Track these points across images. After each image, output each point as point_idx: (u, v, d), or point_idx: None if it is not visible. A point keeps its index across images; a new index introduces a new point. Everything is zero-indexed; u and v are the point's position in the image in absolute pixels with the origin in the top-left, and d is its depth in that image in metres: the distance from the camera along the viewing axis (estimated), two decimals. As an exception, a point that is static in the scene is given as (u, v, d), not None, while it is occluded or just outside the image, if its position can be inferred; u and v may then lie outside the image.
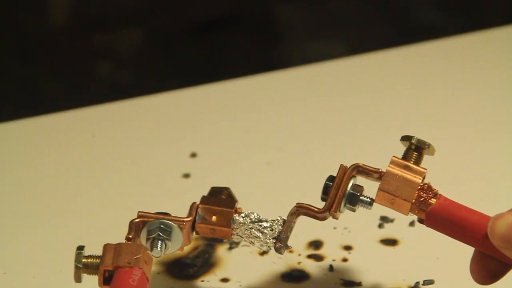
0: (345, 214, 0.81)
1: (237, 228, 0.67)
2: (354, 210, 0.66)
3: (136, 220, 0.67)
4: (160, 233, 0.66)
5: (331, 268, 0.74)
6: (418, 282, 0.72)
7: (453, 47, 1.17)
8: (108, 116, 1.03)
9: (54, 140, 0.98)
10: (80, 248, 0.64)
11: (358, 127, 0.99)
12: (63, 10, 1.60)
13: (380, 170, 0.65)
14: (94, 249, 0.77)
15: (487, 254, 0.62)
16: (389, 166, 0.65)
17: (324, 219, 0.66)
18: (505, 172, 0.89)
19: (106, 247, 0.64)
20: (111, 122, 1.02)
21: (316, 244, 0.77)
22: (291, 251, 0.76)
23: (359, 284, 0.72)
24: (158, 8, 1.61)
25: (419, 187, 0.64)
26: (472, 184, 0.86)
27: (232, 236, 0.68)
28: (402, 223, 0.79)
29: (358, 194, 0.66)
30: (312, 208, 0.66)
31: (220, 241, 0.78)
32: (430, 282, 0.72)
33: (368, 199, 0.66)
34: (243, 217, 0.67)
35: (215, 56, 1.58)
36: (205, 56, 1.57)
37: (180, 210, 0.83)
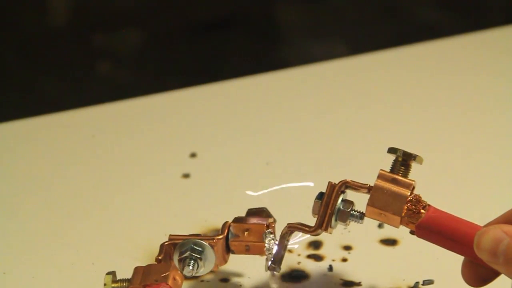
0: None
1: (270, 243, 0.68)
2: (345, 225, 0.67)
3: (167, 243, 0.67)
4: (191, 253, 0.67)
5: (331, 268, 0.74)
6: (417, 282, 0.72)
7: (453, 47, 1.17)
8: (108, 116, 1.03)
9: (54, 140, 0.98)
10: (110, 273, 0.65)
11: (358, 127, 0.99)
12: (63, 10, 1.60)
13: (368, 185, 0.66)
14: (94, 248, 0.77)
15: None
16: (376, 181, 0.65)
17: (317, 235, 0.67)
18: (500, 173, 0.89)
19: (136, 269, 0.65)
20: (111, 122, 1.02)
21: (316, 244, 0.77)
22: (291, 251, 0.76)
23: (359, 284, 0.72)
24: (158, 8, 1.61)
25: (408, 200, 0.64)
26: (469, 185, 0.86)
27: (266, 252, 0.68)
28: (402, 223, 0.79)
29: (348, 210, 0.66)
30: (303, 228, 0.67)
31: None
32: (430, 282, 0.72)
33: (358, 214, 0.66)
34: (271, 232, 0.68)
35: (215, 56, 1.58)
36: (205, 56, 1.57)
37: (180, 210, 0.83)
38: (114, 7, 1.60)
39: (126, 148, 0.95)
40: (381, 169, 0.65)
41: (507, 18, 1.42)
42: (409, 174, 0.66)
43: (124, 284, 0.65)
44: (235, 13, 1.65)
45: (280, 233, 0.68)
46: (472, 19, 1.61)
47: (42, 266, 0.75)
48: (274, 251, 0.68)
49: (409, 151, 0.65)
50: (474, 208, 0.81)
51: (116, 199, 0.86)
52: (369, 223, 0.80)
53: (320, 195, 0.67)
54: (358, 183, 0.66)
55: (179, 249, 0.67)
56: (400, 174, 0.65)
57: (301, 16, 1.68)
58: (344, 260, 0.75)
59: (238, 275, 0.74)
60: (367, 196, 0.65)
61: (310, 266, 0.74)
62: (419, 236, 0.64)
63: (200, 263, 0.67)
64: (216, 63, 1.56)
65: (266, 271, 0.69)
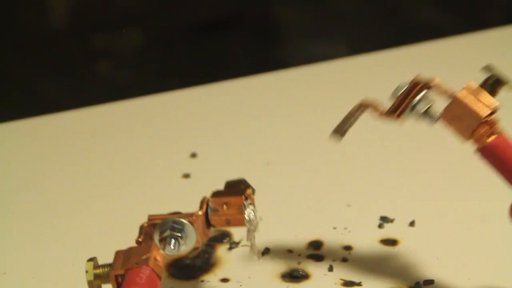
0: (345, 214, 0.82)
1: (250, 215, 0.67)
2: (416, 120, 0.66)
3: (146, 224, 0.67)
4: (171, 231, 0.66)
5: (331, 268, 0.74)
6: (418, 282, 0.72)
7: (453, 47, 1.17)
8: (108, 116, 1.03)
9: (54, 140, 0.98)
10: (91, 259, 0.65)
11: (358, 127, 0.99)
12: (63, 10, 1.60)
13: (453, 92, 0.65)
14: (94, 248, 0.77)
15: None
16: (461, 90, 0.64)
17: (385, 119, 0.66)
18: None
19: (116, 253, 0.65)
20: (111, 122, 1.02)
21: (316, 244, 0.77)
22: (291, 251, 0.76)
23: (359, 284, 0.72)
24: (158, 8, 1.61)
25: (484, 119, 0.63)
26: (470, 185, 0.87)
27: (246, 223, 0.67)
28: (402, 223, 0.79)
29: (426, 108, 0.65)
30: (377, 107, 0.66)
31: (220, 241, 0.78)
32: (430, 282, 0.72)
33: (434, 115, 0.65)
34: (250, 203, 0.67)
35: (215, 56, 1.58)
36: (205, 56, 1.57)
37: (180, 210, 0.83)
38: (114, 7, 1.60)
39: (126, 148, 0.96)
40: (471, 81, 0.64)
41: (507, 18, 1.41)
42: (495, 96, 0.64)
43: (106, 269, 0.64)
44: (235, 13, 1.65)
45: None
46: (472, 19, 1.61)
47: (42, 266, 0.75)
48: (253, 220, 0.67)
49: (500, 77, 0.64)
50: (474, 207, 0.81)
51: (116, 199, 0.86)
52: (370, 223, 0.80)
53: (405, 84, 0.65)
54: (444, 87, 0.65)
55: (159, 229, 0.66)
56: (487, 92, 0.64)
57: (301, 16, 1.68)
58: (344, 260, 0.75)
59: (238, 275, 0.74)
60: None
61: (311, 266, 0.74)
62: (481, 156, 0.64)
63: (181, 241, 0.66)
64: (216, 63, 1.56)
65: (247, 240, 0.68)
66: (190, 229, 0.66)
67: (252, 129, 0.99)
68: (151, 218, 0.67)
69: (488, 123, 0.64)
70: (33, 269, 0.75)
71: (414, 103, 0.65)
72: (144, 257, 0.63)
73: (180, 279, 0.74)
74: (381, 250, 0.77)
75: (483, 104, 0.64)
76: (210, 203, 0.68)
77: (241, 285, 0.73)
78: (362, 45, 1.28)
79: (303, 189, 0.86)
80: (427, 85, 0.65)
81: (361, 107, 0.67)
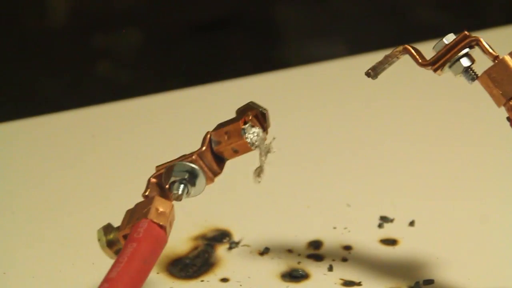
0: (345, 214, 0.81)
1: (252, 137, 0.66)
2: (454, 75, 0.66)
3: (153, 176, 0.65)
4: (175, 177, 0.64)
5: (331, 268, 0.74)
6: (418, 282, 0.72)
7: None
8: (108, 116, 1.03)
9: (54, 140, 0.98)
10: (103, 227, 0.64)
11: (358, 127, 0.99)
12: (63, 10, 1.60)
13: (497, 55, 0.64)
14: (94, 248, 0.77)
15: None
16: (507, 55, 0.63)
17: (422, 67, 0.66)
18: (500, 169, 0.89)
19: (126, 212, 0.63)
20: (111, 122, 1.02)
21: (316, 244, 0.77)
22: (290, 251, 0.76)
23: (359, 284, 0.72)
24: (158, 8, 1.61)
25: None
26: (469, 184, 0.86)
27: (252, 147, 0.66)
28: (402, 223, 0.79)
29: (466, 65, 0.65)
30: (417, 56, 0.66)
31: (220, 241, 0.78)
32: (430, 282, 0.72)
33: (473, 74, 0.65)
34: (252, 126, 0.66)
35: (215, 56, 1.58)
36: (205, 56, 1.57)
37: (180, 210, 0.83)
38: (114, 7, 1.60)
39: (126, 148, 0.95)
40: None
41: (507, 18, 1.42)
42: None
43: (116, 232, 0.63)
44: (235, 13, 1.65)
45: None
46: (472, 19, 1.61)
47: (42, 266, 0.75)
48: (256, 142, 0.66)
49: None
50: (475, 207, 0.81)
51: (116, 199, 0.86)
52: (369, 223, 0.80)
53: (451, 37, 0.65)
54: (489, 48, 0.64)
55: (164, 178, 0.65)
56: None
57: (301, 16, 1.68)
58: (344, 260, 0.75)
59: (238, 275, 0.74)
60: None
61: (310, 266, 0.74)
62: None
63: (188, 184, 0.65)
64: (216, 63, 1.56)
65: (255, 176, 0.67)
66: (195, 169, 0.65)
67: (252, 129, 0.99)
68: (157, 169, 0.66)
69: None
70: (33, 269, 0.75)
71: (457, 57, 0.65)
72: (145, 210, 0.62)
73: (180, 279, 0.74)
74: (381, 250, 0.77)
75: None
76: (212, 136, 0.66)
77: (241, 285, 0.73)
78: (362, 45, 1.28)
79: (303, 189, 0.86)
80: (474, 42, 0.64)
81: (403, 52, 0.66)
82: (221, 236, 0.79)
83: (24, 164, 0.93)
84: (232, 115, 1.03)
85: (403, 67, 1.13)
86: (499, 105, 0.64)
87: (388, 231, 0.79)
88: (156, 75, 1.52)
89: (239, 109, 0.69)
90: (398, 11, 1.67)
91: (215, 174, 0.67)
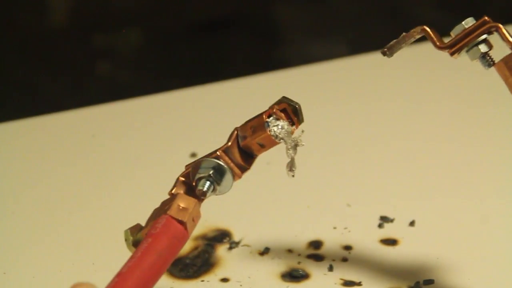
0: (345, 214, 0.81)
1: (275, 130, 0.65)
2: (472, 59, 0.65)
3: (182, 174, 0.65)
4: (200, 174, 0.64)
5: (331, 268, 0.74)
6: (418, 282, 0.72)
7: (453, 47, 1.16)
8: (108, 116, 1.03)
9: (54, 140, 0.98)
10: (128, 230, 0.63)
11: (358, 127, 0.99)
12: (63, 10, 1.60)
13: None
14: (94, 248, 0.77)
15: None
16: None
17: (439, 49, 0.66)
18: (500, 169, 0.89)
19: (152, 212, 0.63)
20: (111, 122, 1.02)
21: (316, 244, 0.77)
22: (291, 251, 0.76)
23: (359, 284, 0.72)
24: (158, 8, 1.61)
25: None
26: (469, 184, 0.86)
27: (277, 140, 0.65)
28: (402, 223, 0.79)
29: (484, 51, 0.65)
30: (435, 37, 0.66)
31: (220, 241, 0.78)
32: (430, 282, 0.72)
33: (490, 60, 0.65)
34: (277, 119, 0.65)
35: (215, 56, 1.58)
36: (205, 56, 1.57)
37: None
38: (114, 7, 1.60)
39: (126, 148, 0.95)
40: None
41: (507, 18, 1.41)
42: None
43: (141, 232, 0.63)
44: (235, 13, 1.65)
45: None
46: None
47: (42, 266, 0.75)
48: (281, 135, 0.66)
49: None
50: (475, 207, 0.81)
51: (116, 199, 0.86)
52: (370, 223, 0.80)
53: (470, 21, 0.65)
54: (509, 35, 0.64)
55: (192, 174, 0.64)
56: None
57: (301, 16, 1.67)
58: (344, 260, 0.75)
59: (238, 275, 0.74)
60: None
61: (310, 266, 0.74)
62: None
63: (215, 181, 0.64)
64: (216, 63, 1.56)
65: (287, 171, 0.66)
66: (221, 166, 0.64)
67: (252, 129, 0.99)
68: (186, 167, 0.65)
69: None
70: (33, 269, 0.75)
71: (475, 42, 0.65)
72: (167, 207, 0.62)
73: (180, 279, 0.74)
74: (381, 250, 0.77)
75: None
76: (239, 131, 0.65)
77: (241, 285, 0.72)
78: (362, 45, 1.28)
79: (303, 189, 0.86)
80: (494, 28, 0.64)
81: (421, 32, 0.66)
82: (221, 236, 0.79)
83: (24, 164, 0.93)
84: (232, 115, 1.03)
85: (403, 67, 1.13)
86: None
87: (388, 231, 0.79)
88: (156, 75, 1.52)
89: (272, 104, 0.68)
90: (398, 11, 1.67)
91: (243, 170, 0.66)
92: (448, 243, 0.76)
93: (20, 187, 0.88)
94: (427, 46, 1.19)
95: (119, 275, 0.57)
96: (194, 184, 0.64)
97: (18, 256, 0.77)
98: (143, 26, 1.61)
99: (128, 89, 1.40)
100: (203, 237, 0.78)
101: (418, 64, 1.13)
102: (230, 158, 0.65)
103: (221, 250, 0.77)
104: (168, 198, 0.64)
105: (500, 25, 0.64)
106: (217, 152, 0.65)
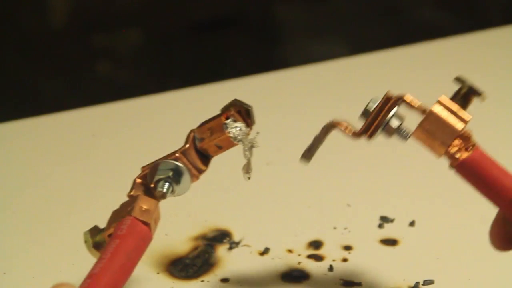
0: (345, 214, 0.82)
1: (234, 132, 0.66)
2: (389, 137, 0.65)
3: (138, 176, 0.66)
4: (159, 175, 0.65)
5: (331, 268, 0.74)
6: (418, 282, 0.72)
7: (453, 47, 1.17)
8: (108, 116, 1.03)
9: (54, 140, 0.98)
10: (88, 232, 0.64)
11: (358, 127, 0.99)
12: (63, 10, 1.60)
13: (425, 108, 0.63)
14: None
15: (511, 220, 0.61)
16: (434, 105, 0.63)
17: (356, 139, 0.65)
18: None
19: (112, 213, 0.64)
20: (111, 122, 1.02)
21: (316, 244, 0.77)
22: (291, 251, 0.76)
23: (359, 284, 0.72)
24: (158, 8, 1.61)
25: (459, 133, 0.62)
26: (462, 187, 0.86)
27: (235, 142, 0.66)
28: (402, 223, 0.79)
29: (397, 126, 0.64)
30: (348, 129, 0.65)
31: (220, 241, 0.78)
32: (430, 282, 0.72)
33: (405, 133, 0.64)
34: (234, 121, 0.66)
35: (215, 56, 1.58)
36: (205, 56, 1.57)
37: (180, 210, 0.83)
38: (114, 7, 1.60)
39: (126, 148, 0.95)
40: (443, 95, 0.63)
41: (507, 18, 1.41)
42: (467, 109, 0.63)
43: (102, 233, 0.63)
44: (235, 13, 1.65)
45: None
46: (472, 19, 1.61)
47: (42, 266, 0.75)
48: (239, 136, 0.66)
49: (474, 87, 0.64)
50: (474, 207, 0.81)
51: (116, 199, 0.86)
52: (370, 223, 0.80)
53: (374, 101, 0.65)
54: (416, 103, 0.63)
55: (149, 177, 0.65)
56: (459, 105, 0.63)
57: (301, 16, 1.68)
58: (344, 260, 0.75)
59: (238, 275, 0.74)
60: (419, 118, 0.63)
61: (311, 266, 0.74)
62: (457, 172, 0.62)
63: (173, 182, 0.65)
64: (216, 63, 1.56)
65: (243, 173, 0.68)
66: (179, 167, 0.65)
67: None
68: (143, 169, 0.66)
69: (462, 137, 0.63)
70: (33, 269, 0.75)
71: (387, 120, 0.64)
72: (129, 208, 0.62)
73: (180, 279, 0.74)
74: (381, 250, 0.77)
75: (457, 118, 0.63)
76: (196, 134, 0.67)
77: (241, 285, 0.72)
78: (362, 45, 1.28)
79: (303, 189, 0.86)
80: (399, 101, 0.64)
81: (330, 129, 0.65)
82: (221, 236, 0.79)
83: (24, 164, 0.93)
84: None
85: (403, 67, 1.13)
86: (439, 155, 0.63)
87: (388, 231, 0.79)
88: (156, 75, 1.52)
89: (223, 107, 0.69)
90: (398, 11, 1.67)
91: (200, 171, 0.67)
92: (448, 243, 0.76)
93: (20, 187, 0.88)
94: (427, 46, 1.20)
95: (91, 276, 0.58)
96: (152, 185, 0.65)
97: (18, 256, 0.77)
98: (143, 26, 1.61)
99: (128, 89, 1.40)
100: (203, 237, 0.78)
101: (418, 64, 1.13)
102: (188, 160, 0.66)
103: (221, 250, 0.77)
104: (128, 200, 0.64)
105: (405, 96, 0.64)
106: (176, 154, 0.66)
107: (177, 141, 0.97)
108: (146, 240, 0.61)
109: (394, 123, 0.64)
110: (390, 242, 0.77)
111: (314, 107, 1.04)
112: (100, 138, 0.98)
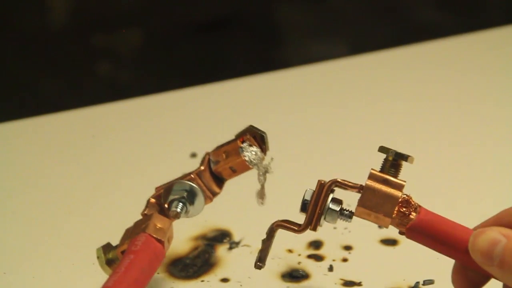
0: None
1: (250, 156, 0.67)
2: (333, 222, 0.66)
3: (152, 197, 0.67)
4: (174, 196, 0.66)
5: (331, 268, 0.74)
6: (418, 282, 0.72)
7: (453, 47, 1.17)
8: (108, 116, 1.03)
9: (54, 140, 0.98)
10: (101, 248, 0.65)
11: (358, 127, 0.99)
12: (63, 10, 1.60)
13: (359, 185, 0.64)
14: (94, 248, 0.77)
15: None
16: (367, 181, 0.64)
17: (300, 233, 0.66)
18: (499, 170, 0.89)
19: (126, 230, 0.64)
20: (111, 122, 1.02)
21: (316, 244, 0.77)
22: (291, 251, 0.76)
23: (359, 284, 0.72)
24: (158, 8, 1.61)
25: (399, 201, 0.63)
26: (467, 184, 0.86)
27: (250, 165, 0.67)
28: (402, 223, 0.79)
29: (337, 210, 0.65)
30: (291, 227, 0.65)
31: (220, 241, 0.78)
32: (430, 282, 0.72)
33: (348, 213, 0.65)
34: (250, 145, 0.67)
35: (215, 56, 1.58)
36: (205, 56, 1.57)
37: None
38: (114, 7, 1.60)
39: (126, 148, 0.95)
40: (372, 169, 0.64)
41: (507, 18, 1.41)
42: (400, 174, 0.64)
43: (114, 250, 0.64)
44: (235, 13, 1.65)
45: (266, 230, 0.67)
46: (472, 19, 1.61)
47: (42, 266, 0.75)
48: (255, 161, 0.67)
49: (400, 152, 0.64)
50: (467, 209, 0.81)
51: (116, 199, 0.86)
52: (369, 223, 0.80)
53: (309, 194, 0.65)
54: (349, 182, 0.65)
55: (164, 197, 0.66)
56: (391, 174, 0.64)
57: (301, 16, 1.67)
58: (345, 260, 0.75)
59: (238, 275, 0.74)
60: (358, 195, 0.64)
61: (311, 266, 0.74)
62: (409, 237, 0.64)
63: (187, 203, 0.66)
64: (216, 63, 1.56)
65: (257, 199, 0.68)
66: (194, 188, 0.66)
67: (252, 129, 0.99)
68: (157, 189, 0.67)
69: (403, 204, 0.63)
70: (33, 269, 0.75)
71: (326, 207, 0.64)
72: (143, 226, 0.63)
73: (180, 279, 0.74)
74: (381, 250, 0.77)
75: (392, 187, 0.63)
76: (211, 156, 0.67)
77: (241, 285, 0.72)
78: (362, 45, 1.28)
79: (303, 189, 0.86)
80: (333, 185, 0.65)
81: (275, 229, 0.66)
82: (221, 236, 0.79)
83: (24, 164, 0.93)
84: (232, 115, 1.03)
85: (403, 67, 1.13)
86: (386, 226, 0.63)
87: (388, 231, 0.79)
88: (156, 75, 1.52)
89: (239, 132, 0.70)
90: (398, 11, 1.67)
91: (214, 194, 0.68)
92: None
93: (20, 187, 0.88)
94: (427, 46, 1.20)
95: None
96: (166, 206, 0.65)
97: (18, 256, 0.77)
98: (143, 26, 1.61)
99: (128, 89, 1.40)
100: (203, 237, 0.78)
101: (418, 64, 1.13)
102: (202, 182, 0.66)
103: (221, 250, 0.77)
104: (142, 219, 0.65)
105: (337, 179, 0.65)
106: (191, 175, 0.67)
107: (177, 141, 0.97)
108: (159, 257, 0.62)
109: (334, 207, 0.65)
110: (390, 242, 0.77)
111: (314, 107, 1.04)
112: (100, 138, 0.98)
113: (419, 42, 1.17)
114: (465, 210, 0.81)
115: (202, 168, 0.67)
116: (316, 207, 0.65)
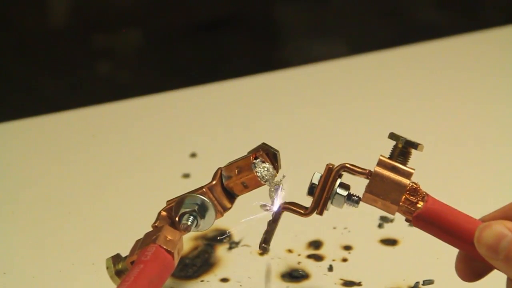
0: (345, 214, 0.81)
1: (262, 171, 0.67)
2: (340, 207, 0.66)
3: (164, 209, 0.67)
4: (185, 209, 0.66)
5: (331, 268, 0.74)
6: (418, 282, 0.72)
7: (453, 47, 1.17)
8: (108, 116, 1.03)
9: (54, 140, 0.98)
10: (110, 259, 0.65)
11: (358, 127, 0.99)
12: (63, 10, 1.61)
13: (368, 170, 0.64)
14: (94, 248, 0.77)
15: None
16: (376, 168, 0.63)
17: (307, 216, 0.66)
18: (499, 169, 0.89)
19: (136, 242, 0.64)
20: (111, 122, 1.02)
21: (316, 244, 0.77)
22: (290, 251, 0.76)
23: (359, 284, 0.72)
24: (158, 8, 1.61)
25: (406, 189, 0.63)
26: (466, 184, 0.86)
27: (262, 181, 0.67)
28: (402, 223, 0.79)
29: (345, 195, 0.65)
30: (298, 210, 0.66)
31: (220, 241, 0.78)
32: (430, 282, 0.72)
33: (355, 198, 0.64)
34: (262, 161, 0.67)
35: (215, 56, 1.58)
36: (205, 56, 1.57)
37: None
38: (114, 7, 1.60)
39: (126, 148, 0.96)
40: (381, 155, 0.64)
41: (507, 18, 1.42)
42: (409, 161, 0.64)
43: (124, 261, 0.64)
44: (235, 13, 1.65)
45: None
46: (472, 19, 1.61)
47: (42, 266, 0.75)
48: (267, 177, 0.68)
49: (410, 139, 0.64)
50: (470, 202, 0.81)
51: (116, 199, 0.86)
52: (369, 223, 0.80)
53: (317, 178, 0.65)
54: (358, 168, 0.64)
55: (175, 210, 0.66)
56: (400, 161, 0.63)
57: (302, 16, 1.68)
58: (344, 260, 0.75)
59: (238, 275, 0.74)
60: (365, 181, 0.64)
61: (310, 266, 0.74)
62: (415, 225, 0.63)
63: (198, 216, 0.66)
64: (216, 63, 1.56)
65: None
66: (205, 202, 0.66)
67: (252, 129, 0.99)
68: (168, 202, 0.67)
69: (411, 191, 0.63)
70: (33, 269, 0.75)
71: (334, 191, 0.64)
72: (154, 237, 0.63)
73: (180, 279, 0.74)
74: (381, 250, 0.77)
75: (400, 174, 0.63)
76: (223, 172, 0.68)
77: (241, 285, 0.73)
78: (362, 45, 1.28)
79: (303, 188, 0.86)
80: (342, 170, 0.64)
81: (283, 211, 0.66)
82: (221, 236, 0.79)
83: (24, 164, 0.93)
84: (232, 115, 1.03)
85: (403, 67, 1.13)
86: (393, 213, 0.63)
87: (388, 231, 0.79)
88: (156, 75, 1.52)
89: (251, 149, 0.70)
90: (398, 11, 1.67)
91: (225, 209, 0.68)
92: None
93: (20, 187, 0.88)
94: (427, 46, 1.20)
95: None
96: (177, 219, 0.66)
97: (18, 256, 0.77)
98: (143, 26, 1.61)
99: (128, 89, 1.40)
100: (203, 237, 0.78)
101: (417, 64, 1.13)
102: (214, 196, 0.67)
103: (221, 250, 0.77)
104: (153, 230, 0.65)
105: (346, 164, 0.65)
106: (203, 189, 0.67)
107: (177, 141, 0.97)
108: (169, 268, 0.63)
109: (342, 192, 0.65)
110: (390, 242, 0.77)
111: (314, 107, 1.04)
112: (100, 138, 0.98)
113: (419, 42, 1.17)
114: (472, 200, 0.81)
115: (214, 182, 0.67)
116: (324, 191, 0.65)
